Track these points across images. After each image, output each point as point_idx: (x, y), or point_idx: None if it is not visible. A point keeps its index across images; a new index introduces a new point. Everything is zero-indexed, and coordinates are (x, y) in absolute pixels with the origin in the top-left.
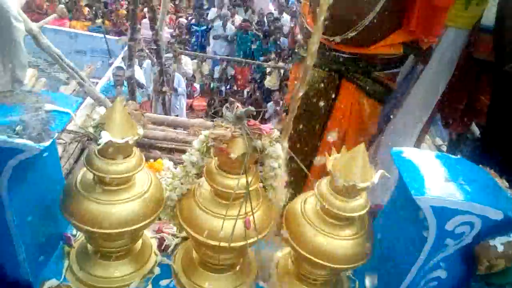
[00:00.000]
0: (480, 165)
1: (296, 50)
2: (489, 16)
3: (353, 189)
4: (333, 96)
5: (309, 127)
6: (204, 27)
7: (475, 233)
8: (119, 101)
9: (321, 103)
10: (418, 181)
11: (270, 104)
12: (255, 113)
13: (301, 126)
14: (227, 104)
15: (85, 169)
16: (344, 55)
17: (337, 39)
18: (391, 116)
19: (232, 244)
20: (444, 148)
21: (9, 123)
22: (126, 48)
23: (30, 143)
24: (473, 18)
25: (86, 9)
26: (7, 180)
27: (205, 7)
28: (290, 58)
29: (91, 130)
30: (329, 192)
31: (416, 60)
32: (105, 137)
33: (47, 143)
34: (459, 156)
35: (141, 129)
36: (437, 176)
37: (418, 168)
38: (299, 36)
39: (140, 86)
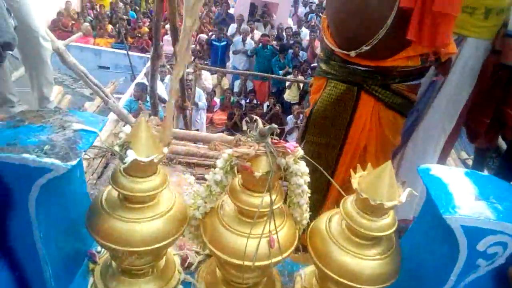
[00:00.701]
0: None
1: (316, 63)
2: None
3: (380, 208)
4: (353, 108)
5: (329, 140)
6: (224, 43)
7: (509, 253)
8: (144, 120)
9: (340, 116)
10: (448, 199)
11: (290, 117)
12: (278, 130)
13: (320, 140)
14: (246, 118)
15: (110, 187)
16: (361, 68)
17: (352, 53)
18: (414, 129)
19: (256, 263)
20: (470, 162)
21: (38, 142)
22: (148, 63)
23: (58, 162)
24: (494, 27)
25: (110, 27)
26: (35, 198)
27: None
28: (309, 71)
29: (117, 148)
30: (355, 211)
31: (437, 72)
32: (131, 155)
33: (74, 162)
34: (486, 173)
35: (165, 148)
36: (467, 194)
37: (447, 186)
38: (318, 50)
39: (162, 101)
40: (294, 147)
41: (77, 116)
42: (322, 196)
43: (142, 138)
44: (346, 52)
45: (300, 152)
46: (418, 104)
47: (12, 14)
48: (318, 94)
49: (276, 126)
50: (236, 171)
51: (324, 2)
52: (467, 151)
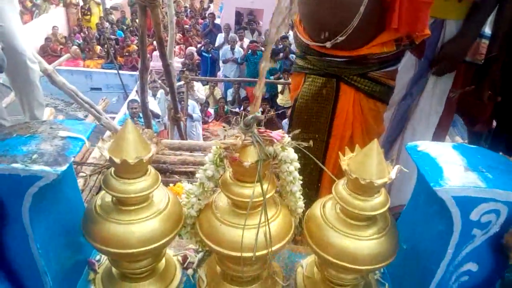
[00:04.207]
0: (500, 153)
1: (294, 60)
2: None
3: (371, 187)
4: (334, 101)
5: (314, 135)
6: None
7: (502, 220)
8: (130, 121)
9: (323, 109)
10: (437, 172)
11: (285, 121)
12: (263, 118)
13: (305, 135)
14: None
15: (103, 192)
16: (338, 59)
17: (328, 44)
18: (409, 114)
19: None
20: None
21: (26, 152)
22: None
23: (47, 168)
24: (467, 9)
25: (99, 48)
26: (28, 208)
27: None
28: None
29: (105, 153)
30: (347, 193)
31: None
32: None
33: (64, 168)
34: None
35: (154, 147)
36: (456, 166)
37: (435, 160)
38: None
39: (156, 116)
40: (280, 136)
41: (65, 124)
42: (314, 192)
43: (130, 139)
44: (321, 45)
45: (287, 139)
46: (412, 88)
47: None
48: (297, 90)
49: (259, 114)
50: (226, 165)
51: None
52: (461, 136)
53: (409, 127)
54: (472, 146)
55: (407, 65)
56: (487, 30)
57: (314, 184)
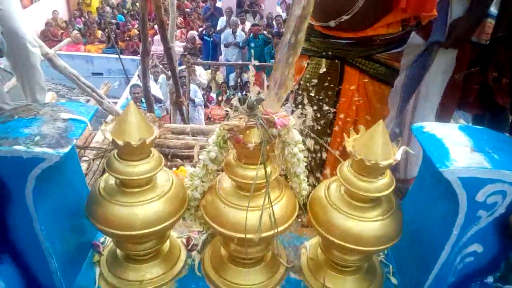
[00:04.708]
0: (506, 134)
1: None
2: None
3: (376, 168)
4: (338, 83)
5: (317, 118)
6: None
7: (508, 202)
8: (133, 103)
9: (327, 92)
10: (443, 154)
11: (287, 105)
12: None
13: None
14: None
15: (107, 174)
16: (342, 41)
17: (332, 23)
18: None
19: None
20: None
21: (28, 134)
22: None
23: (50, 150)
24: None
25: (100, 32)
26: (31, 191)
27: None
28: None
29: (108, 135)
30: (352, 174)
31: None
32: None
33: (66, 150)
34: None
35: (157, 129)
36: (462, 147)
37: (441, 141)
38: None
39: (158, 101)
40: (283, 123)
41: (66, 107)
42: (318, 175)
43: (133, 121)
44: (325, 24)
45: (292, 121)
46: (416, 69)
47: None
48: (300, 73)
49: (263, 96)
50: (229, 146)
51: None
52: (465, 118)
53: (418, 104)
54: (478, 127)
55: (413, 46)
56: (493, 9)
57: (318, 167)
